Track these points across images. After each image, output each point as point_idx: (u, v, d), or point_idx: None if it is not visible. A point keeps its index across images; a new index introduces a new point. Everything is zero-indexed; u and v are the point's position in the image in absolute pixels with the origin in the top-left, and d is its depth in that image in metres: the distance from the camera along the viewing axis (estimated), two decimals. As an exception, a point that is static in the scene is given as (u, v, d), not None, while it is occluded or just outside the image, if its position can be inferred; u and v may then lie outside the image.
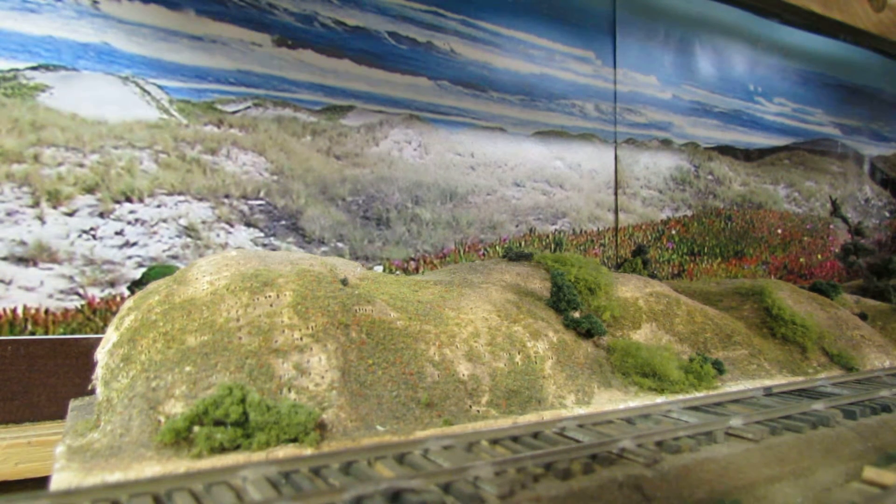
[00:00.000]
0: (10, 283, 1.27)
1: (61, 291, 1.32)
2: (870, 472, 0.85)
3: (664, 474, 0.76)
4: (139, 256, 1.39)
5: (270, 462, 0.71)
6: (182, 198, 1.45)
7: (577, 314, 1.21)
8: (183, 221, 1.44)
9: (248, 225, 1.53)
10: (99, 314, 1.35)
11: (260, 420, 0.76)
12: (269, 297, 0.93)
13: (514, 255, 1.44)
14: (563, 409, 1.00)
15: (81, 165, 1.34)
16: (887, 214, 3.14)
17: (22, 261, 1.28)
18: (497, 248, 1.92)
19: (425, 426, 0.88)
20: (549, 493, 0.68)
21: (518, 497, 0.67)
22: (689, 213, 2.41)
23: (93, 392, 0.88)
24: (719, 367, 1.21)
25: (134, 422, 0.78)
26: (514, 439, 0.85)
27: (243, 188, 1.52)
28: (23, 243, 1.28)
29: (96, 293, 1.35)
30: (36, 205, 1.30)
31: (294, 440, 0.78)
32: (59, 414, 1.26)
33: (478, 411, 0.95)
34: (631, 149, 2.24)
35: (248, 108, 1.54)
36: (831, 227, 2.86)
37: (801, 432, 0.94)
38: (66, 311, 1.32)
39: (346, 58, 1.66)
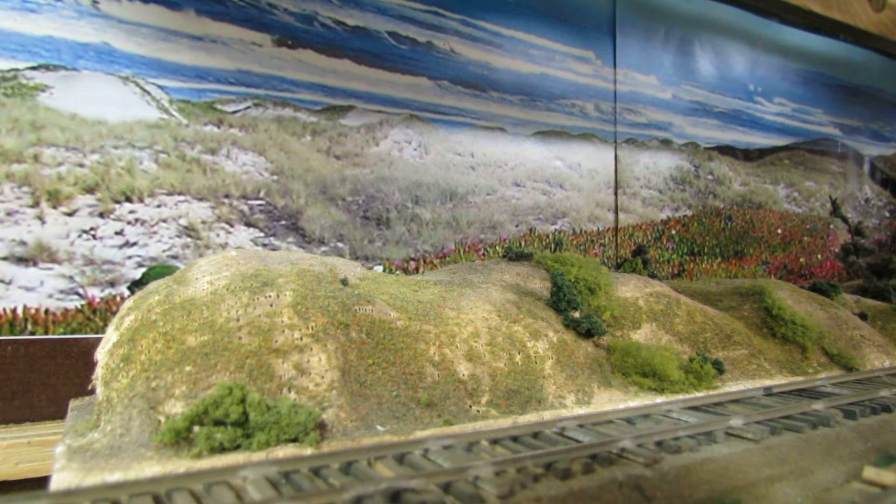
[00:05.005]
0: (10, 283, 1.27)
1: (61, 291, 1.32)
2: (870, 472, 0.85)
3: (664, 474, 0.76)
4: (139, 256, 1.39)
5: (270, 462, 0.71)
6: (182, 198, 1.45)
7: (577, 314, 1.21)
8: (183, 221, 1.44)
9: (248, 225, 1.53)
10: (99, 314, 1.35)
11: (260, 420, 0.76)
12: (269, 297, 0.93)
13: (514, 255, 1.44)
14: (563, 409, 1.00)
15: (81, 165, 1.34)
16: (887, 214, 3.14)
17: (22, 261, 1.28)
18: (497, 248, 1.92)
19: (425, 426, 0.88)
20: (549, 493, 0.68)
21: (518, 497, 0.67)
22: (689, 213, 2.41)
23: (93, 392, 0.88)
24: (719, 367, 1.21)
25: (134, 422, 0.78)
26: (514, 439, 0.85)
27: (243, 188, 1.52)
28: (23, 243, 1.28)
29: (96, 293, 1.35)
30: (36, 205, 1.30)
31: (294, 440, 0.78)
32: (59, 414, 1.26)
33: (478, 411, 0.95)
34: (631, 149, 2.24)
35: (248, 108, 1.54)
36: (831, 227, 2.86)
37: (801, 432, 0.94)
38: (66, 311, 1.32)
39: (346, 58, 1.66)
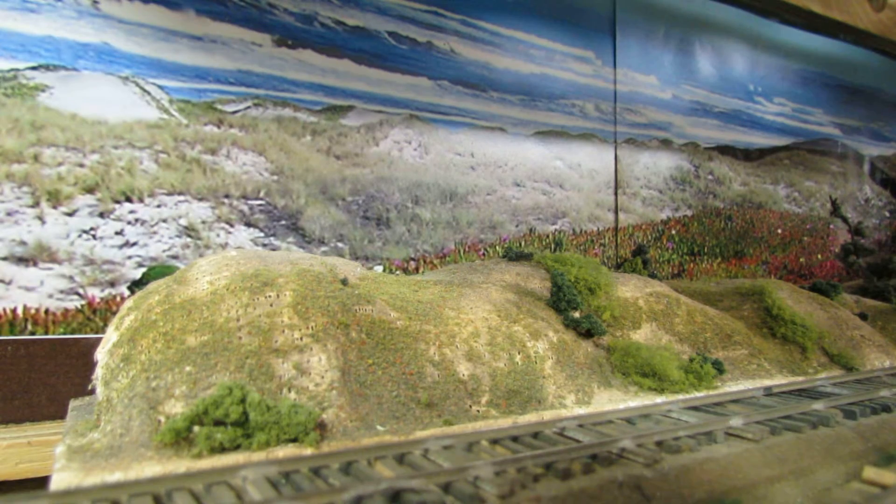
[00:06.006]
0: (10, 283, 1.27)
1: (61, 291, 1.32)
2: (870, 472, 0.85)
3: (664, 474, 0.76)
4: (139, 256, 1.39)
5: (270, 462, 0.71)
6: (182, 198, 1.45)
7: (577, 314, 1.21)
8: (183, 221, 1.44)
9: (248, 225, 1.53)
10: (99, 314, 1.35)
11: (260, 420, 0.76)
12: (269, 297, 0.93)
13: (514, 255, 1.44)
14: (563, 409, 1.00)
15: (81, 165, 1.34)
16: (887, 214, 3.14)
17: (22, 261, 1.28)
18: (497, 248, 1.92)
19: (425, 426, 0.88)
20: (549, 493, 0.68)
21: (518, 497, 0.67)
22: (689, 213, 2.41)
23: (93, 392, 0.88)
24: (719, 367, 1.21)
25: (134, 422, 0.78)
26: (514, 439, 0.85)
27: (243, 188, 1.52)
28: (23, 243, 1.28)
29: (96, 293, 1.35)
30: (36, 205, 1.30)
31: (294, 440, 0.78)
32: (59, 414, 1.26)
33: (478, 411, 0.95)
34: (631, 149, 2.24)
35: (248, 108, 1.54)
36: (831, 227, 2.86)
37: (801, 432, 0.94)
38: (66, 311, 1.32)
39: (346, 58, 1.66)
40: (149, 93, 1.42)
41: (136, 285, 1.28)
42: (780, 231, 2.70)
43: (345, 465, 0.73)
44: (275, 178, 1.56)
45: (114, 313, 1.11)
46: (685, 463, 0.79)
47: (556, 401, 1.02)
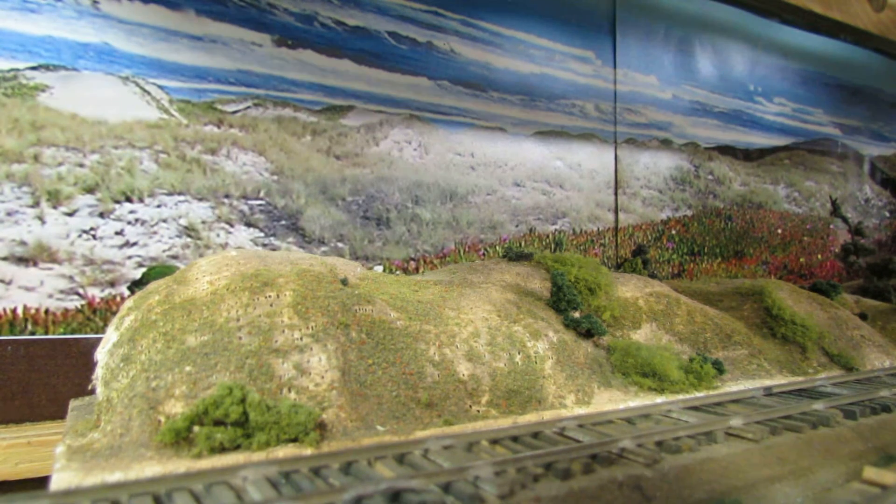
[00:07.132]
0: (10, 283, 1.27)
1: (61, 291, 1.32)
2: (870, 472, 0.85)
3: (664, 474, 0.76)
4: (139, 256, 1.39)
5: (270, 462, 0.71)
6: (182, 198, 1.45)
7: (577, 314, 1.21)
8: (183, 221, 1.44)
9: (248, 225, 1.53)
10: (99, 314, 1.35)
11: (260, 420, 0.76)
12: (269, 297, 0.93)
13: (514, 255, 1.44)
14: (563, 409, 1.00)
15: (81, 165, 1.34)
16: (887, 214, 3.14)
17: (22, 261, 1.28)
18: (497, 248, 1.91)
19: (425, 426, 0.88)
20: (549, 493, 0.68)
21: (518, 497, 0.67)
22: (689, 213, 2.41)
23: (93, 392, 0.88)
24: (719, 367, 1.21)
25: (134, 422, 0.78)
26: (514, 439, 0.85)
27: (243, 188, 1.52)
28: (23, 243, 1.28)
29: (96, 293, 1.35)
30: (36, 205, 1.30)
31: (294, 440, 0.78)
32: (59, 414, 1.26)
33: (478, 411, 0.95)
34: (631, 149, 2.24)
35: (248, 108, 1.54)
36: (831, 227, 2.86)
37: (801, 432, 0.94)
38: (66, 311, 1.32)
39: (346, 58, 1.66)
40: (149, 93, 1.42)
41: (136, 285, 1.28)
42: (780, 231, 2.70)
43: (345, 465, 0.73)
44: (275, 178, 1.56)
45: (114, 313, 1.11)
46: (685, 463, 0.79)
47: (556, 401, 1.02)
